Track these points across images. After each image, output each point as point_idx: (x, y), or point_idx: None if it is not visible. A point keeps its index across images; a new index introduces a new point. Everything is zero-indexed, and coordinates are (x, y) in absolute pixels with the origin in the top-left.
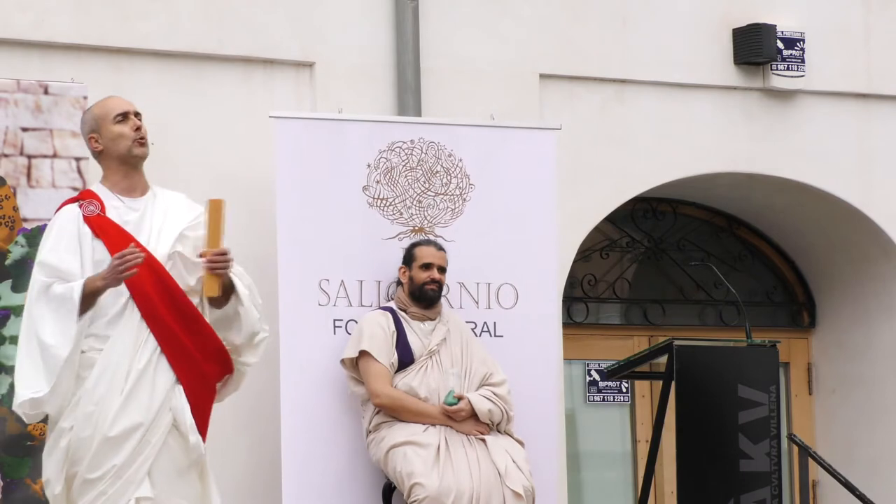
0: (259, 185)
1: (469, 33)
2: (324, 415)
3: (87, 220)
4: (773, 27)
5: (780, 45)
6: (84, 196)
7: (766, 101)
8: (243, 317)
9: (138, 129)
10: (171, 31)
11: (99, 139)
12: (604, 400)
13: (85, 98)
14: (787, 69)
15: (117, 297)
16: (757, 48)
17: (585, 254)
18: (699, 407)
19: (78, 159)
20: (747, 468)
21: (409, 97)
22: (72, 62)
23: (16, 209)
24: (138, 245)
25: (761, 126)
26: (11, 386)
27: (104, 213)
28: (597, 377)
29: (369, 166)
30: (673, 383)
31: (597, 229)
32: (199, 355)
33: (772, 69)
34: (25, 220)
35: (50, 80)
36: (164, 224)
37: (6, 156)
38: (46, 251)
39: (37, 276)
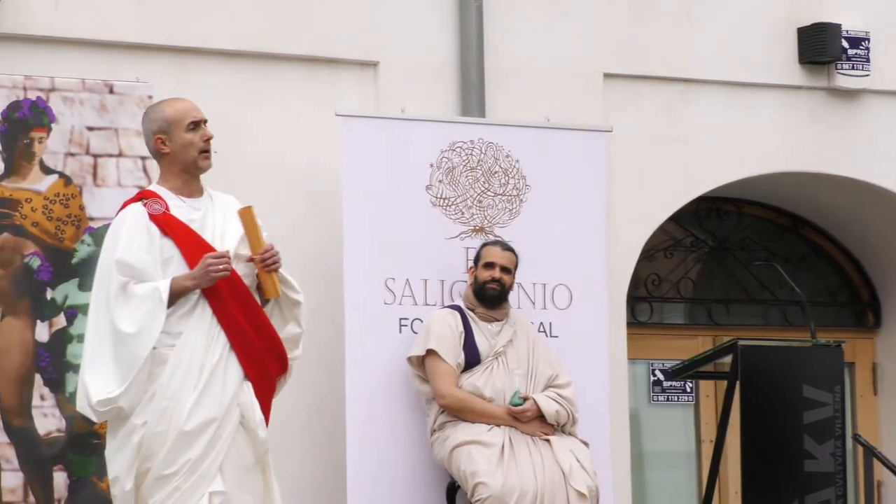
0: (324, 185)
1: (533, 33)
2: (388, 413)
3: (153, 218)
4: (838, 26)
5: (844, 44)
6: (146, 195)
7: (830, 100)
8: (303, 302)
9: (208, 140)
10: (236, 30)
11: (167, 142)
12: (668, 400)
13: (150, 97)
14: (852, 68)
15: (189, 295)
16: (822, 47)
17: (649, 253)
18: (764, 407)
19: (143, 158)
20: (812, 468)
21: (472, 97)
22: (136, 62)
23: (82, 208)
24: (208, 246)
25: (826, 125)
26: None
27: (168, 211)
28: (661, 377)
29: (432, 166)
30: (737, 383)
31: (661, 229)
32: (265, 352)
33: (836, 68)
34: (91, 218)
35: (115, 79)
36: (226, 225)
37: (72, 155)
38: (121, 250)
39: (112, 275)
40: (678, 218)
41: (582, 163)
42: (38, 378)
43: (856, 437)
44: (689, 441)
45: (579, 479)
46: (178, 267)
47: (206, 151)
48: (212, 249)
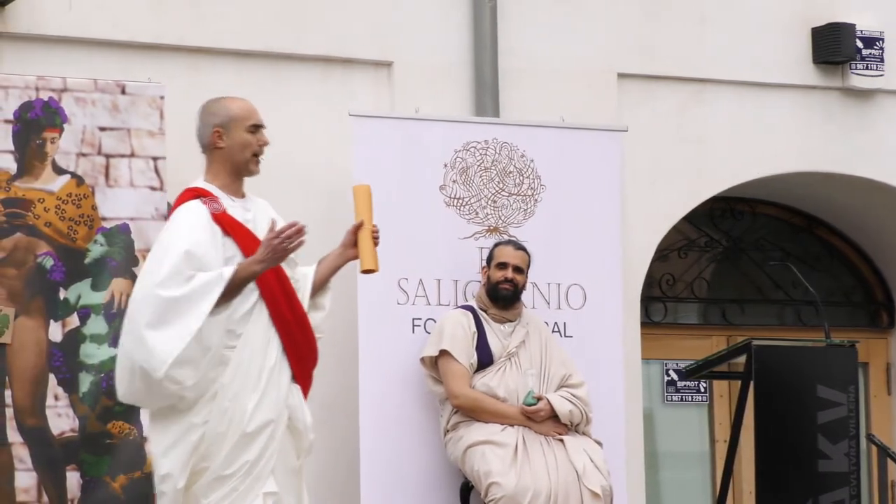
0: (337, 184)
1: (547, 33)
2: (402, 413)
3: (214, 216)
4: (852, 26)
5: (859, 44)
6: (202, 193)
7: (844, 100)
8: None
9: (263, 144)
10: (249, 30)
11: (224, 137)
12: (682, 400)
13: (162, 98)
14: (866, 68)
15: (248, 296)
16: (836, 47)
17: (664, 253)
18: (778, 407)
19: (155, 159)
20: (826, 468)
21: (487, 97)
22: (150, 62)
23: (94, 208)
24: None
25: (840, 125)
26: (92, 384)
27: (226, 211)
28: (675, 377)
29: (446, 166)
30: (751, 383)
31: (675, 229)
32: (307, 352)
33: (851, 68)
34: (104, 218)
35: (127, 79)
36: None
37: (84, 155)
38: (192, 243)
39: (176, 264)
40: (692, 218)
41: (597, 162)
42: (51, 378)
43: (870, 437)
44: (703, 441)
45: (593, 478)
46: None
47: (258, 156)
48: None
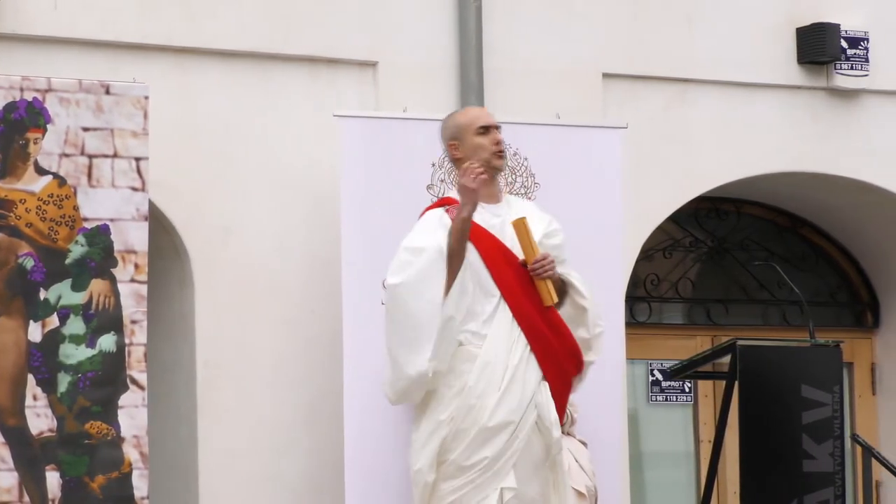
0: (324, 185)
1: (532, 32)
2: (387, 414)
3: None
4: (836, 26)
5: (843, 44)
6: (448, 202)
7: (829, 100)
8: (589, 309)
9: (498, 142)
10: (236, 30)
11: (459, 147)
12: (666, 400)
13: (146, 98)
14: (851, 68)
15: (490, 298)
16: (821, 47)
17: (648, 253)
18: (762, 407)
19: (138, 159)
20: (811, 468)
21: (471, 97)
22: (137, 62)
23: (76, 208)
24: (508, 251)
25: (825, 125)
26: (70, 384)
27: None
28: (660, 377)
29: (433, 165)
30: (736, 383)
31: (660, 229)
32: (562, 353)
33: (836, 68)
34: (85, 219)
35: (112, 80)
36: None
37: (67, 155)
38: (406, 240)
39: (401, 257)
40: (677, 218)
41: (595, 160)
42: (30, 378)
43: (854, 438)
44: (688, 441)
45: (578, 478)
46: (476, 270)
47: (499, 153)
48: (513, 256)
